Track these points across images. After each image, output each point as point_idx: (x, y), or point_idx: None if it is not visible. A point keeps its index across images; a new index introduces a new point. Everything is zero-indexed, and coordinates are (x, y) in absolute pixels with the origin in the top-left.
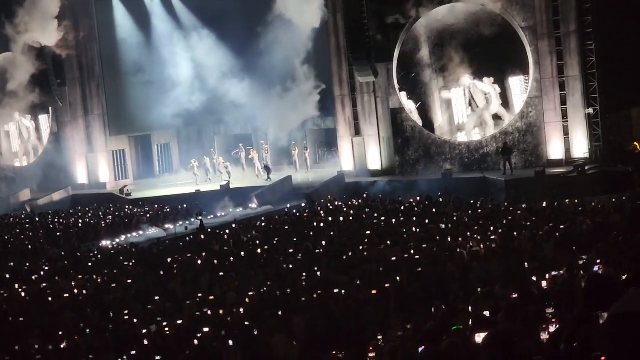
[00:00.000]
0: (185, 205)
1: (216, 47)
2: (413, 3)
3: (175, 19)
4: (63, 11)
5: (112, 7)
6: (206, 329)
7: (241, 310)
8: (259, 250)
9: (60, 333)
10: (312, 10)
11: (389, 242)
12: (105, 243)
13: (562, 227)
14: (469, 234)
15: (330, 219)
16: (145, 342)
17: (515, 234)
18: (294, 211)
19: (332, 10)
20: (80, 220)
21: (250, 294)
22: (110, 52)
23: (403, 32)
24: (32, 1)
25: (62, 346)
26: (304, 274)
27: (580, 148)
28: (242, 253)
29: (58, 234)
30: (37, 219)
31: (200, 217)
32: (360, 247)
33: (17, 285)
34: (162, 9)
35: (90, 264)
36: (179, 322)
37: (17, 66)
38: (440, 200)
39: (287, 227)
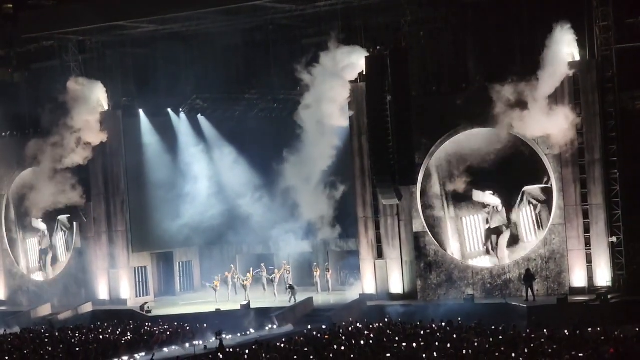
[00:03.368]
0: (205, 324)
1: (241, 165)
2: (439, 126)
3: (201, 136)
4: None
5: (140, 122)
6: None
7: None
8: None
9: None
10: (336, 130)
11: None
12: None
13: (584, 355)
14: None
15: (350, 342)
16: None
17: None
18: (315, 333)
19: (357, 132)
20: (100, 336)
21: None
22: (136, 167)
23: (428, 156)
24: (64, 121)
25: None
26: None
27: (603, 276)
28: None
29: (77, 349)
30: (57, 334)
31: (219, 337)
32: None
33: None
34: (188, 125)
35: None
36: None
37: (44, 182)
38: (462, 325)
39: (307, 349)
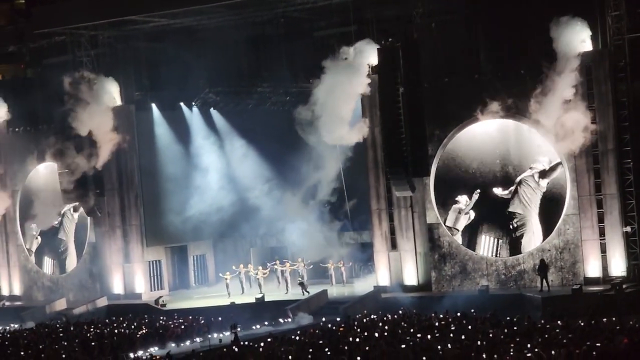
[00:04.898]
0: (219, 318)
1: (252, 158)
2: (451, 117)
3: (214, 129)
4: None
5: (152, 116)
6: None
7: None
8: None
9: None
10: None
11: (424, 358)
12: (140, 354)
13: (599, 345)
14: (504, 351)
15: (365, 333)
16: None
17: (552, 352)
18: (329, 325)
19: (371, 124)
20: (115, 331)
21: None
22: (149, 161)
23: (441, 147)
24: (76, 118)
25: None
26: None
27: (618, 266)
28: None
29: (92, 343)
30: (72, 328)
31: (234, 330)
32: None
33: None
34: (200, 119)
35: None
36: None
37: (57, 177)
38: (476, 316)
39: (321, 342)
